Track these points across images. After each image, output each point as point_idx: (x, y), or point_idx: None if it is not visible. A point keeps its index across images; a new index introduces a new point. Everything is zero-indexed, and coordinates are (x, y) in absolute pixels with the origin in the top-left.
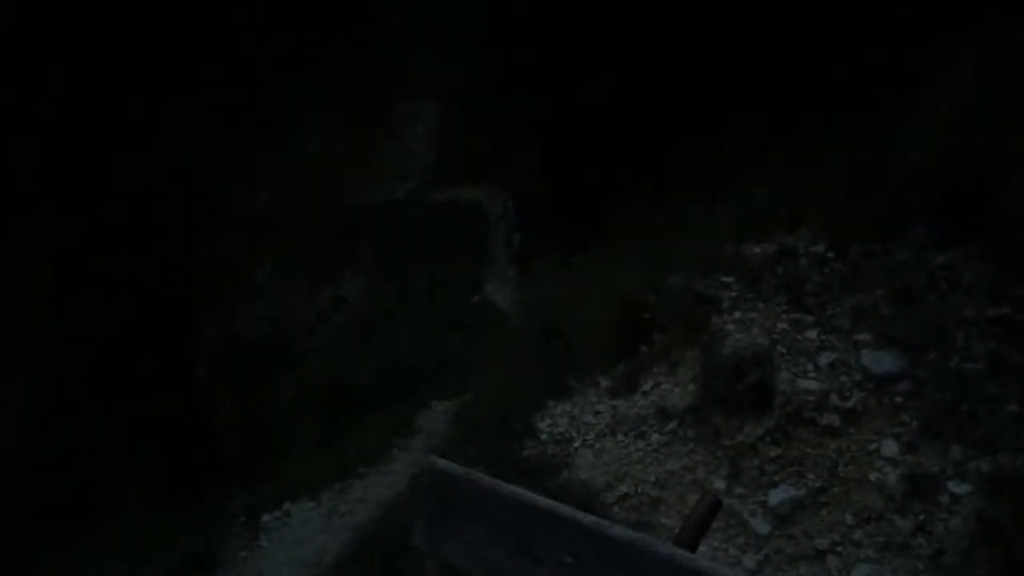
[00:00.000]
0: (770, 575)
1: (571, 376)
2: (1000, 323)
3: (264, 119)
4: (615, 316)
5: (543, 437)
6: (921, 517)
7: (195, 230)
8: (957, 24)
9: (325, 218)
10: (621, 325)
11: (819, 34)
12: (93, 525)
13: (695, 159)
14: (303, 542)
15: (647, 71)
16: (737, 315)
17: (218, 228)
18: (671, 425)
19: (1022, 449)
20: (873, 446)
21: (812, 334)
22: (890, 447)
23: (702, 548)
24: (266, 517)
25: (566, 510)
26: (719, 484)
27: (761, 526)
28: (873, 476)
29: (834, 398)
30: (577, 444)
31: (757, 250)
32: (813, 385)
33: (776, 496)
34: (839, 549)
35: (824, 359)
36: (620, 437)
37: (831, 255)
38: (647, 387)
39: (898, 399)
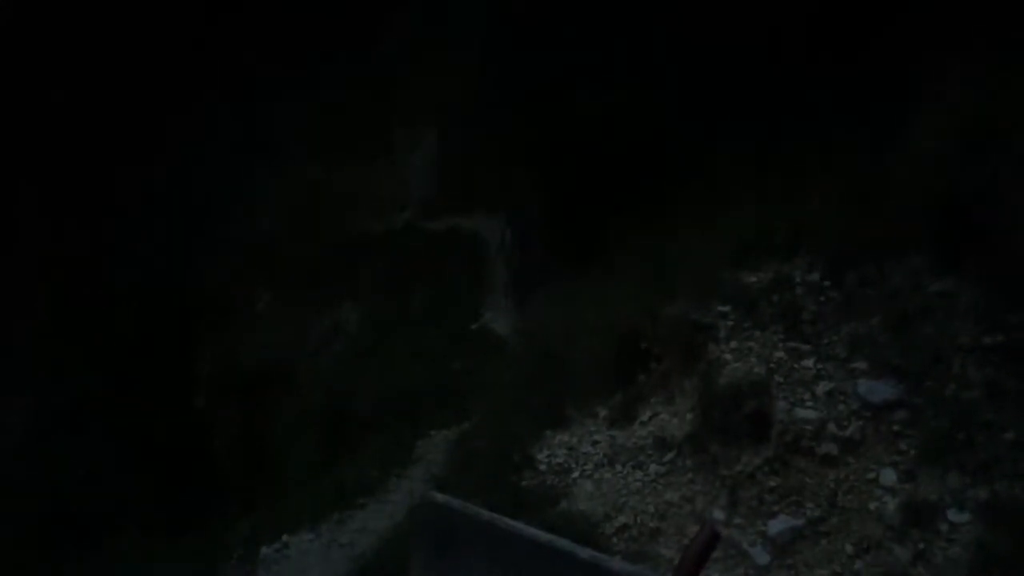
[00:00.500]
0: None
1: (569, 405)
2: (997, 350)
3: (264, 144)
4: (613, 345)
5: (542, 467)
6: (920, 546)
7: (194, 254)
8: (952, 41)
9: (325, 245)
10: (619, 354)
11: (817, 51)
12: (91, 551)
13: (692, 183)
14: (302, 574)
15: (647, 92)
16: (734, 344)
17: (217, 252)
18: (669, 455)
19: (1020, 476)
20: (871, 475)
21: (809, 363)
22: (888, 476)
23: None
24: (265, 549)
25: (564, 544)
26: (718, 514)
27: (761, 556)
28: (872, 505)
29: (832, 427)
30: (576, 474)
31: (753, 279)
32: (811, 414)
33: (775, 526)
34: None
35: (821, 388)
36: (619, 467)
37: (827, 283)
38: (645, 417)
39: (895, 427)
